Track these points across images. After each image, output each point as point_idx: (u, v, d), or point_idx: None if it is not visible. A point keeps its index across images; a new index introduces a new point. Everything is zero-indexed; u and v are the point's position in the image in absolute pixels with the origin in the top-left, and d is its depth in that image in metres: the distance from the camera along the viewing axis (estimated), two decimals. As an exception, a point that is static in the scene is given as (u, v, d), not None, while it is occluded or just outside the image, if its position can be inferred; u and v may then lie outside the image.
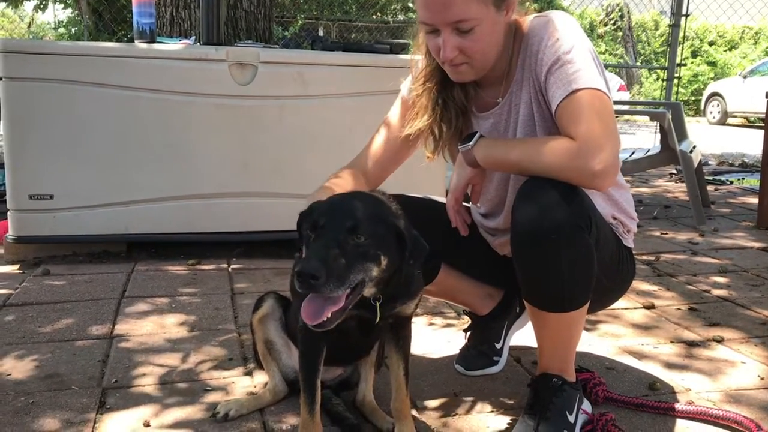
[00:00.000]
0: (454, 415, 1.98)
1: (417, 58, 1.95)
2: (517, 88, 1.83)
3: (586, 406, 1.89)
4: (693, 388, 2.16)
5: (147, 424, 1.86)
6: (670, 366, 2.33)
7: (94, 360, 2.27)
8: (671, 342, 2.54)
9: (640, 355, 2.41)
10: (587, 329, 2.60)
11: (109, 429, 1.85)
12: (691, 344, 2.52)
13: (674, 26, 7.49)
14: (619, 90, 17.07)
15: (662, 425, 1.93)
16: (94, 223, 3.37)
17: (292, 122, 3.48)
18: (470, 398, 2.07)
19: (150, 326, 2.58)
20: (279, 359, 1.99)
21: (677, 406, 1.98)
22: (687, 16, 7.65)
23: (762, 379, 2.24)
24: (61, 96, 3.23)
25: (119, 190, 3.37)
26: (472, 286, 2.23)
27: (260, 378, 2.16)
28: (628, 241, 2.00)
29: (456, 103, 1.90)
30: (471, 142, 1.79)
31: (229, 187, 3.48)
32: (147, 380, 2.14)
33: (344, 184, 1.94)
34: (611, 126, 1.65)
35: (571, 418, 1.79)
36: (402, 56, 3.65)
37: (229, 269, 3.38)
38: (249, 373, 2.21)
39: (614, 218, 1.95)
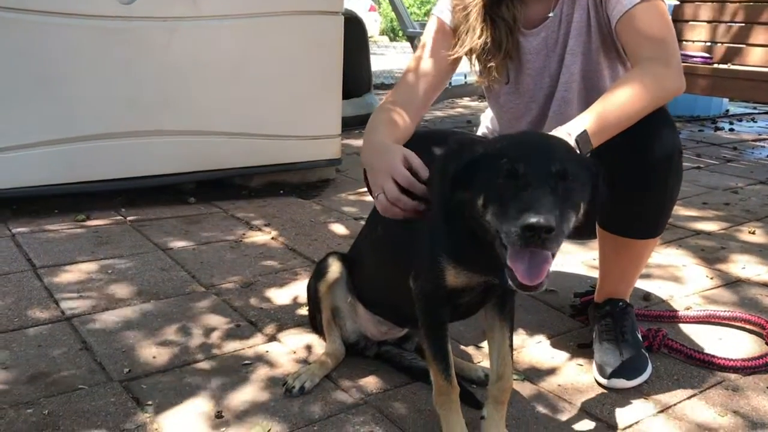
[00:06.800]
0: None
1: None
2: None
3: (634, 323, 1.99)
4: (675, 295, 2.38)
5: (219, 416, 1.58)
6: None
7: (73, 349, 1.85)
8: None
9: (606, 269, 2.57)
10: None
11: (177, 430, 1.54)
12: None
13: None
14: (369, 10, 17.44)
15: (682, 334, 2.11)
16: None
17: (183, 48, 3.04)
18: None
19: (102, 300, 2.15)
20: (343, 326, 1.81)
21: (686, 313, 2.17)
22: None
23: (711, 278, 2.53)
24: None
25: (-25, 136, 2.71)
26: None
27: (291, 341, 1.93)
28: None
29: (505, 21, 1.77)
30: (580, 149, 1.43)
31: (111, 127, 2.97)
32: (163, 364, 1.79)
33: (402, 122, 1.72)
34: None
35: (639, 336, 1.88)
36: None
37: (128, 222, 2.92)
38: (272, 338, 1.96)
39: None
